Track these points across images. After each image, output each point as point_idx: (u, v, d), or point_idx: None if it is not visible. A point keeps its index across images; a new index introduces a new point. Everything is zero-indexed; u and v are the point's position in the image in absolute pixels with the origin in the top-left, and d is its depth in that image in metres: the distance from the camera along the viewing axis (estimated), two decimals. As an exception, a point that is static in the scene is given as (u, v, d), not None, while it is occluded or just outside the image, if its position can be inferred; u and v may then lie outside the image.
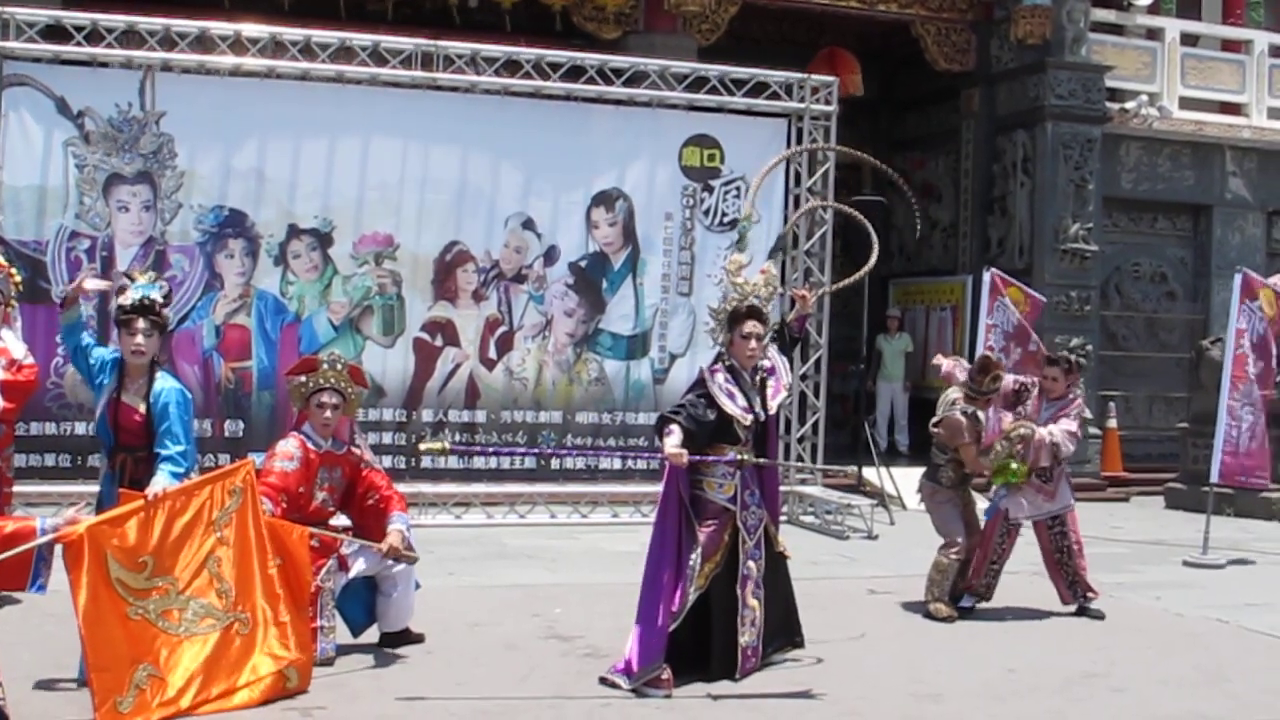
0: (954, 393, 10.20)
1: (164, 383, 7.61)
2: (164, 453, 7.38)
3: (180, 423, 7.54)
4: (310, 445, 8.15)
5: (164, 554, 6.77)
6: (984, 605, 10.06)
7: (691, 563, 7.80)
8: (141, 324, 7.51)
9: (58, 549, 6.44)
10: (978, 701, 7.77)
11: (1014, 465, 9.89)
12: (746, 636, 7.93)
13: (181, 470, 7.37)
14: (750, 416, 7.94)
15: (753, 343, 7.99)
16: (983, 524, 10.26)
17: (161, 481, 7.14)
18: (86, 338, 7.61)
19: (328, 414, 8.16)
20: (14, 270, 9.85)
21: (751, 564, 7.99)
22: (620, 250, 14.58)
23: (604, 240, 14.54)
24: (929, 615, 9.82)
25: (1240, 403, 13.16)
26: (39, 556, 6.26)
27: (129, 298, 7.59)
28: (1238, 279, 13.49)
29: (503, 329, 14.23)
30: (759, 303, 8.08)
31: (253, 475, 7.42)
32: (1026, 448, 9.88)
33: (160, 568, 6.74)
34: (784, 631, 8.40)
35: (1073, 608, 10.14)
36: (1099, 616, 9.99)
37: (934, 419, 10.23)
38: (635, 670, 7.61)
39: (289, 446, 8.12)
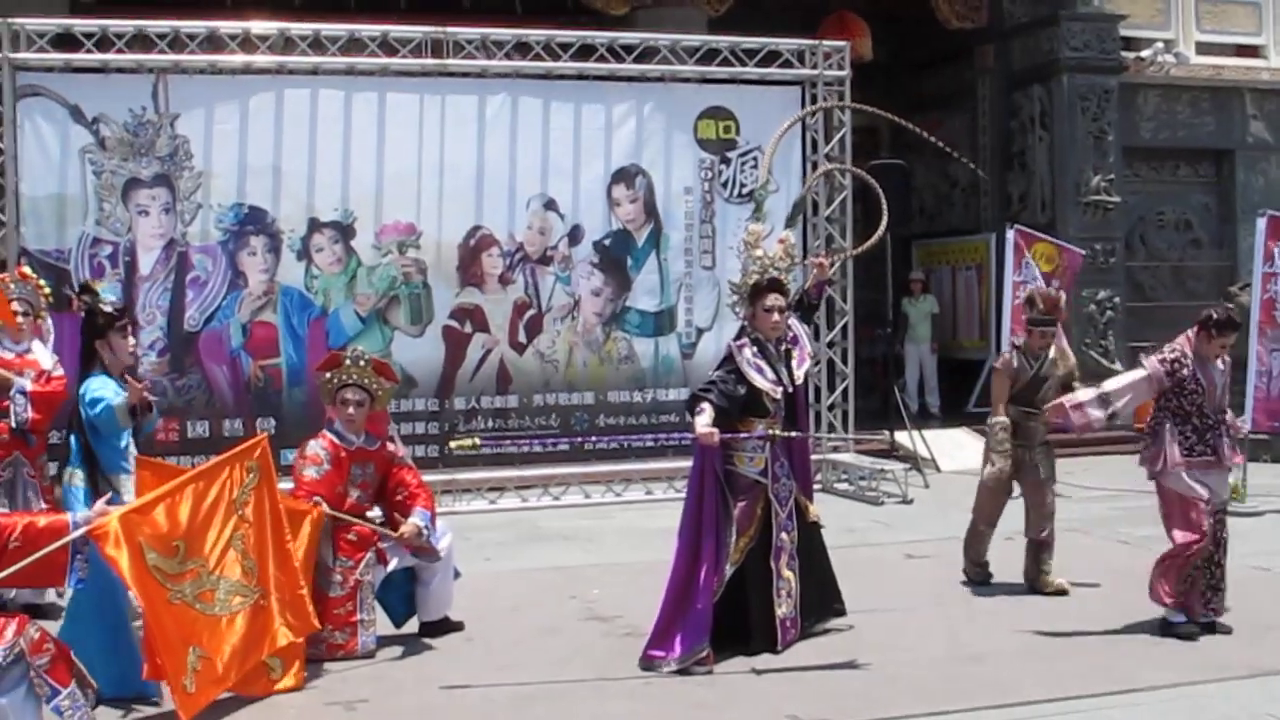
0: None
1: None
2: None
3: None
4: (340, 443, 8.18)
5: (193, 536, 6.81)
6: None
7: (728, 539, 7.80)
8: (130, 326, 8.00)
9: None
10: (1021, 662, 7.76)
11: None
12: (784, 608, 7.94)
13: None
14: (779, 389, 7.95)
15: (775, 315, 7.98)
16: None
17: None
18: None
19: (351, 410, 8.19)
20: (42, 282, 9.87)
21: (785, 535, 8.01)
22: (643, 226, 14.54)
23: (626, 217, 14.51)
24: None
25: (1269, 348, 13.09)
26: (74, 551, 6.29)
27: (111, 305, 7.79)
28: (1261, 222, 13.40)
29: (531, 312, 14.22)
30: (779, 274, 8.07)
31: (268, 451, 7.48)
32: None
33: (191, 550, 6.77)
34: (824, 601, 8.42)
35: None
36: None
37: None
38: (679, 653, 7.62)
39: (317, 449, 8.14)
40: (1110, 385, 8.65)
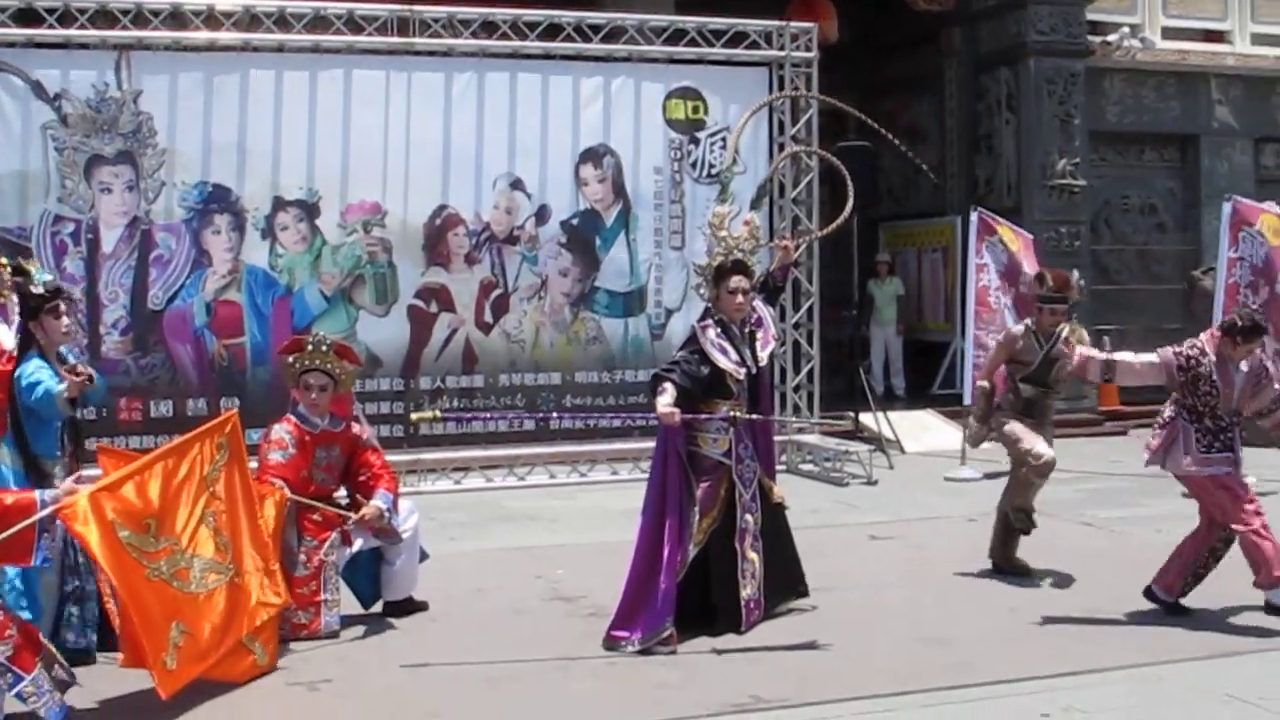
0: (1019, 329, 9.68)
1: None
2: None
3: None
4: (305, 427, 8.17)
5: (164, 514, 6.76)
6: (987, 547, 9.89)
7: (691, 519, 7.82)
8: (64, 306, 7.78)
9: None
10: (985, 644, 7.78)
11: None
12: (748, 589, 7.95)
13: None
14: (743, 370, 7.96)
15: (739, 297, 7.98)
16: None
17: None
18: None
19: (314, 395, 8.19)
20: (4, 260, 9.74)
21: (749, 517, 8.02)
22: (611, 206, 14.52)
23: (594, 197, 14.48)
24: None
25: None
26: (41, 529, 6.27)
27: (41, 285, 7.71)
28: (1226, 207, 13.45)
29: (498, 292, 14.18)
30: (743, 256, 8.07)
31: (239, 427, 7.45)
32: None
33: (163, 528, 6.73)
34: (787, 582, 8.42)
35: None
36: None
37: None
38: (642, 633, 7.64)
39: (281, 433, 8.13)
40: (1120, 357, 8.55)
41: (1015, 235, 14.92)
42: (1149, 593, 8.49)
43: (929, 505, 12.50)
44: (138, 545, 6.54)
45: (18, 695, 6.18)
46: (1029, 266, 14.48)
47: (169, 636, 6.52)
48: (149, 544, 6.61)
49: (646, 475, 8.44)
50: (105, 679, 6.98)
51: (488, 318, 14.14)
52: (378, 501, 8.15)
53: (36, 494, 6.40)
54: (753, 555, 8.00)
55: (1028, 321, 9.62)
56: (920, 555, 10.20)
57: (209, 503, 7.07)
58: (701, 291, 8.32)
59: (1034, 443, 9.30)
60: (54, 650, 6.57)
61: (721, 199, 8.92)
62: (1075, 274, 9.70)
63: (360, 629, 8.15)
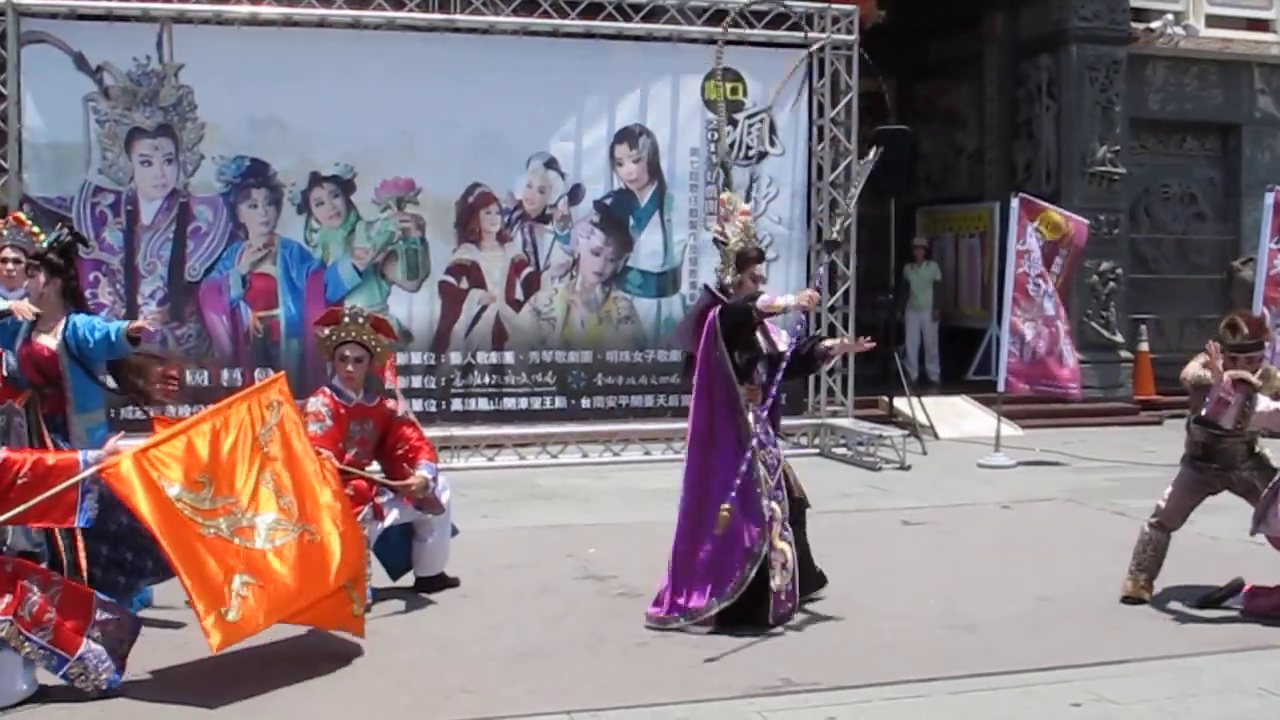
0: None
1: (76, 319, 7.85)
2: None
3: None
4: (340, 400, 8.15)
5: (218, 474, 6.70)
6: (1019, 534, 9.84)
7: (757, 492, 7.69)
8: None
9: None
10: (1012, 632, 7.76)
11: None
12: (778, 579, 7.71)
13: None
14: (766, 351, 7.92)
15: (762, 285, 7.96)
16: None
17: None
18: None
19: (350, 367, 8.16)
20: (37, 229, 9.78)
21: (775, 505, 7.80)
22: (646, 187, 14.52)
23: (628, 177, 14.49)
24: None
25: (1273, 322, 13.04)
26: (84, 489, 6.29)
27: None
28: (1269, 197, 13.34)
29: (529, 270, 14.23)
30: (759, 244, 8.11)
31: (286, 388, 7.37)
32: None
33: (220, 488, 6.67)
34: (813, 572, 8.33)
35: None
36: None
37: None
38: (710, 598, 7.59)
39: (318, 406, 8.09)
40: (1263, 404, 7.81)
41: (1065, 220, 14.84)
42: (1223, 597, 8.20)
43: (962, 491, 12.47)
44: (191, 503, 6.48)
45: (64, 677, 6.21)
46: (1071, 255, 14.48)
47: (230, 588, 6.44)
48: (204, 501, 6.54)
49: (679, 454, 8.42)
50: (160, 648, 7.03)
51: (518, 295, 14.18)
52: (422, 471, 8.15)
53: (80, 454, 6.41)
54: (782, 545, 7.75)
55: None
56: (952, 541, 10.18)
57: (265, 463, 6.97)
58: (725, 273, 8.10)
59: (1168, 498, 8.63)
60: (105, 610, 6.50)
61: (726, 185, 8.91)
62: (1268, 315, 8.74)
63: (391, 603, 8.16)
